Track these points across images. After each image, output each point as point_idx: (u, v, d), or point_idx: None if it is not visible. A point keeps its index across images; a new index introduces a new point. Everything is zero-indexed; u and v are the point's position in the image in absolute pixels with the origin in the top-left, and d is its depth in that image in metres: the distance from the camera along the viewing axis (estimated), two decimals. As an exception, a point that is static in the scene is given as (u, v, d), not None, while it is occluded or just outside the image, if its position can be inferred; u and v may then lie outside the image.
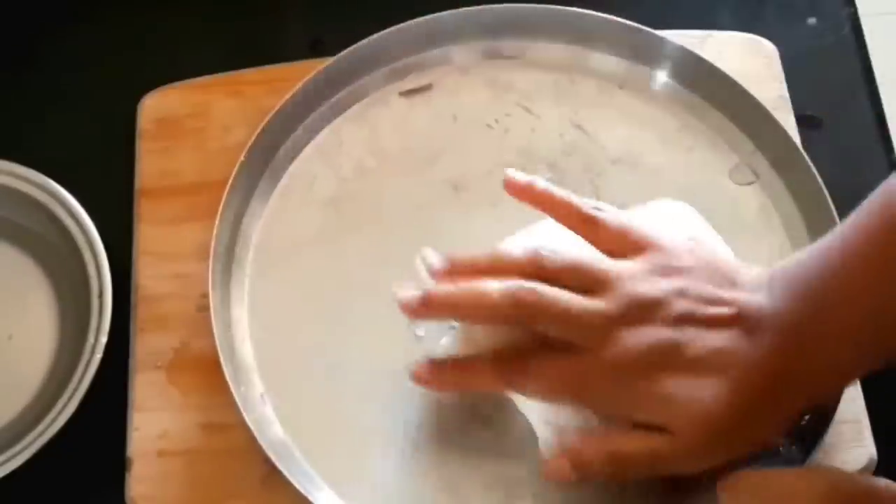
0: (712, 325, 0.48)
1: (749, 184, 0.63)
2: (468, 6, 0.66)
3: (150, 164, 0.66)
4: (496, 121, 0.66)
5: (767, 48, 0.68)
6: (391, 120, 0.66)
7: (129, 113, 0.67)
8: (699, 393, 0.48)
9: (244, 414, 0.56)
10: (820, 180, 0.60)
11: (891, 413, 0.58)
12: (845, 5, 0.71)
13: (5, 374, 0.62)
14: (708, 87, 0.65)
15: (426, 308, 0.50)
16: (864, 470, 0.57)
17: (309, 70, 0.66)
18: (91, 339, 0.60)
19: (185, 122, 0.67)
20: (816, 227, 0.61)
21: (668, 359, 0.48)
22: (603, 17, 0.66)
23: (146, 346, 0.61)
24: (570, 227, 0.52)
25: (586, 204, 0.52)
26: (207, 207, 0.63)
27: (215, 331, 0.58)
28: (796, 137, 0.63)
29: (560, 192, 0.52)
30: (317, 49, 0.70)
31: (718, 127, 0.65)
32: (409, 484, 0.56)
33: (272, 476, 0.56)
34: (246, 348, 0.60)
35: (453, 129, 0.66)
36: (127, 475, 0.58)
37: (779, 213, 0.63)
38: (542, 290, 0.49)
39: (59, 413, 0.58)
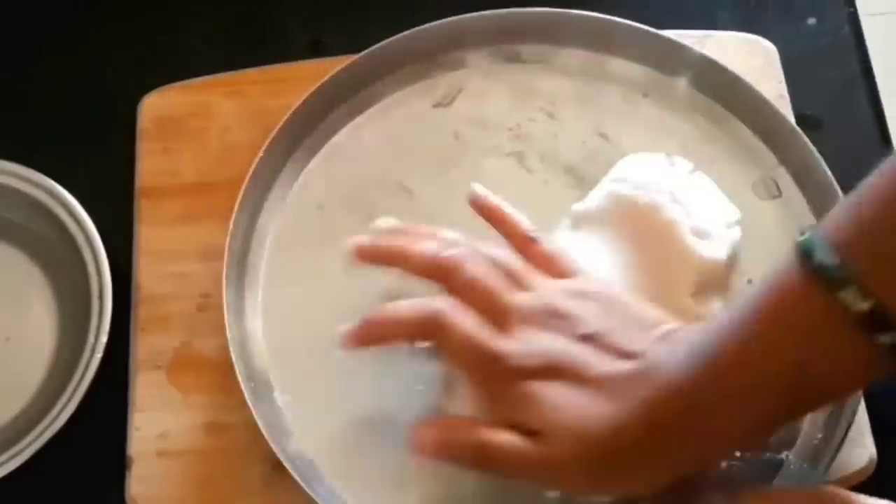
0: (614, 355, 0.49)
1: (771, 199, 0.63)
2: (468, 8, 0.66)
3: (150, 164, 0.66)
4: (518, 126, 0.65)
5: (767, 48, 0.68)
6: (411, 122, 0.66)
7: (129, 113, 0.67)
8: (584, 408, 0.48)
9: (253, 410, 0.56)
10: (840, 194, 0.59)
11: (891, 413, 0.58)
12: (845, 5, 0.71)
13: (5, 374, 0.62)
14: (733, 98, 0.64)
15: (374, 252, 0.54)
16: (863, 470, 0.57)
17: (309, 70, 0.66)
18: (91, 339, 0.60)
19: (185, 122, 0.67)
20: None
21: (564, 368, 0.49)
22: (627, 24, 0.65)
23: (146, 346, 0.61)
24: (512, 243, 0.55)
25: (528, 226, 0.55)
26: (207, 207, 0.64)
27: (227, 329, 0.58)
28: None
29: (510, 211, 0.56)
30: (317, 49, 0.70)
31: (742, 139, 0.64)
32: (414, 488, 0.56)
33: (273, 476, 0.56)
34: (259, 350, 0.60)
35: (474, 133, 0.65)
36: (127, 475, 0.58)
37: (799, 230, 0.62)
38: (474, 260, 0.52)
39: (59, 413, 0.58)
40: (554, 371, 0.49)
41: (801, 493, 0.48)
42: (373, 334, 0.53)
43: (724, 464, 0.56)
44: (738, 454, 0.56)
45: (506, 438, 0.49)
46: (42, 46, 0.71)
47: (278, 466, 0.55)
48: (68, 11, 0.72)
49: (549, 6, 0.66)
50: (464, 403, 0.53)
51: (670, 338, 0.49)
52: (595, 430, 0.48)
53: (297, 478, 0.54)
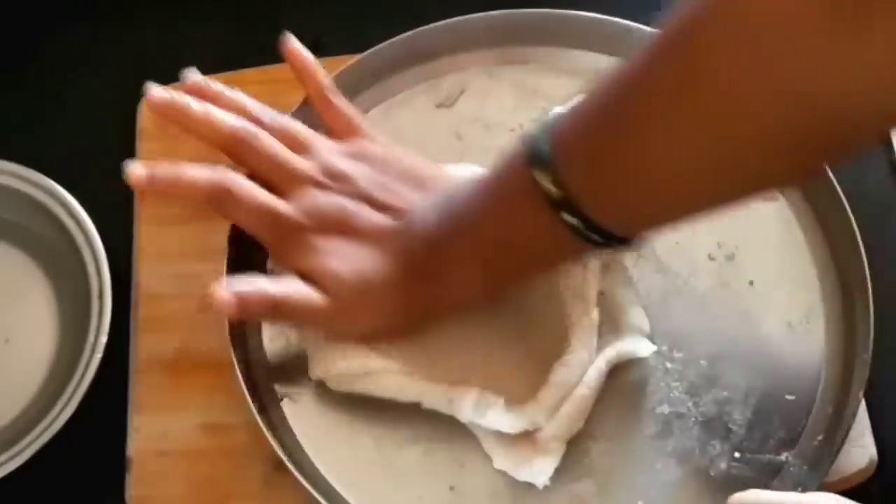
0: (382, 210, 0.56)
1: (773, 200, 0.63)
2: (469, 9, 0.66)
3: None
4: (521, 125, 0.65)
5: (767, 48, 0.67)
6: (414, 122, 0.66)
7: (129, 113, 0.67)
8: (356, 257, 0.55)
9: (253, 409, 0.56)
10: (843, 199, 0.60)
11: (891, 414, 0.58)
12: (845, 5, 0.70)
13: (5, 374, 0.62)
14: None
15: (169, 107, 0.58)
16: (863, 470, 0.57)
17: (309, 70, 0.66)
18: (91, 339, 0.60)
19: (186, 123, 0.67)
20: (839, 244, 0.61)
21: (339, 224, 0.56)
22: (631, 26, 0.65)
23: (146, 346, 0.61)
24: (312, 97, 0.61)
25: (328, 83, 0.61)
26: (208, 207, 0.63)
27: (227, 329, 0.58)
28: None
29: (315, 65, 0.61)
30: (317, 49, 0.70)
31: None
32: (415, 486, 0.56)
33: (273, 476, 0.56)
34: (259, 350, 0.60)
35: (477, 133, 0.65)
36: (127, 475, 0.58)
37: (802, 231, 0.62)
38: (262, 133, 0.58)
39: (59, 413, 0.58)
40: (331, 226, 0.56)
41: (801, 497, 0.48)
42: (160, 185, 0.57)
43: (723, 465, 0.56)
44: (737, 455, 0.56)
45: (293, 288, 0.55)
46: (42, 46, 0.71)
47: (278, 467, 0.55)
48: (68, 11, 0.72)
49: (552, 7, 0.66)
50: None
51: (433, 197, 0.56)
52: (367, 275, 0.55)
53: (298, 476, 0.54)
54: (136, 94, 0.67)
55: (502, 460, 0.55)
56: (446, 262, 0.54)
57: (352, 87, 0.65)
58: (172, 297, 0.62)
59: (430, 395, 0.56)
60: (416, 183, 0.58)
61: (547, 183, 0.48)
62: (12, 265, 0.65)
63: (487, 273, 0.54)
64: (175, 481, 0.58)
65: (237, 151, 0.58)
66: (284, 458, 0.54)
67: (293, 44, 0.61)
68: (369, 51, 0.65)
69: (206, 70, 0.68)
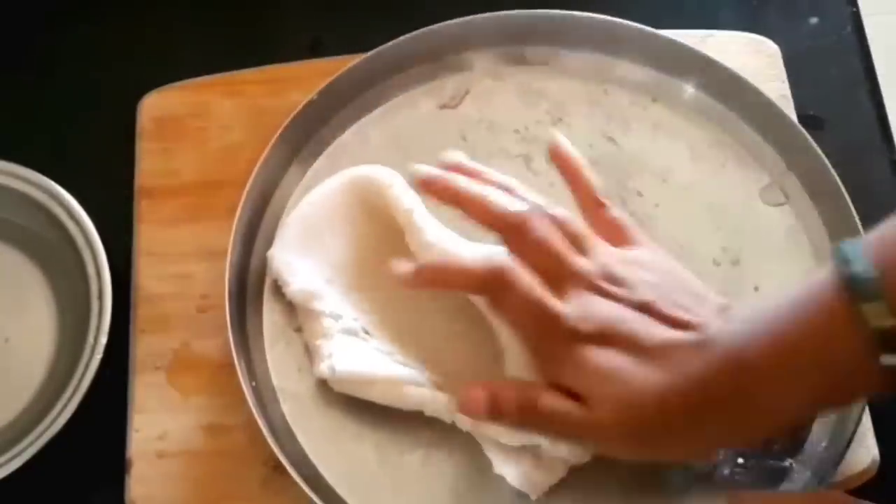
0: (670, 324, 0.49)
1: (779, 205, 0.63)
2: (468, 9, 0.66)
3: (150, 164, 0.66)
4: (525, 127, 0.65)
5: (769, 47, 0.67)
6: (418, 123, 0.66)
7: (129, 113, 0.67)
8: (633, 375, 0.48)
9: (254, 410, 0.56)
10: (851, 205, 0.59)
11: (893, 415, 0.58)
12: (847, 5, 0.70)
13: (5, 374, 0.62)
14: (742, 103, 0.64)
15: (440, 185, 0.54)
16: (866, 471, 0.57)
17: (309, 70, 0.66)
18: (91, 339, 0.60)
19: (185, 122, 0.67)
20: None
21: (618, 335, 0.49)
22: (636, 27, 0.65)
23: (146, 346, 0.61)
24: (580, 203, 0.55)
25: (599, 190, 0.55)
26: (207, 207, 0.63)
27: (230, 329, 0.58)
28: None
29: (587, 173, 0.55)
30: (317, 49, 0.70)
31: (751, 144, 0.64)
32: (415, 490, 0.56)
33: (272, 477, 0.56)
34: (259, 351, 0.60)
35: (481, 134, 0.65)
36: (127, 476, 0.58)
37: (807, 237, 0.62)
38: (542, 222, 0.52)
39: (59, 413, 0.58)
40: (608, 337, 0.49)
41: (801, 496, 0.48)
42: (434, 280, 0.54)
43: (726, 471, 0.56)
44: (740, 461, 0.56)
45: (551, 400, 0.50)
46: (42, 46, 0.71)
47: (277, 468, 0.55)
48: (68, 11, 0.72)
49: (551, 6, 0.66)
50: (518, 369, 0.53)
51: (725, 313, 0.50)
52: (642, 397, 0.48)
53: (297, 479, 0.54)
54: (137, 94, 0.67)
55: (503, 466, 0.55)
56: (758, 387, 0.46)
57: (355, 87, 0.65)
58: (172, 298, 0.62)
59: (433, 403, 0.56)
60: (698, 297, 0.51)
61: (875, 314, 0.43)
62: (12, 265, 0.64)
63: (805, 398, 0.47)
64: (174, 482, 0.58)
65: (512, 237, 0.52)
66: (284, 461, 0.54)
67: (563, 144, 0.56)
68: (373, 51, 0.65)
69: (206, 70, 0.68)
